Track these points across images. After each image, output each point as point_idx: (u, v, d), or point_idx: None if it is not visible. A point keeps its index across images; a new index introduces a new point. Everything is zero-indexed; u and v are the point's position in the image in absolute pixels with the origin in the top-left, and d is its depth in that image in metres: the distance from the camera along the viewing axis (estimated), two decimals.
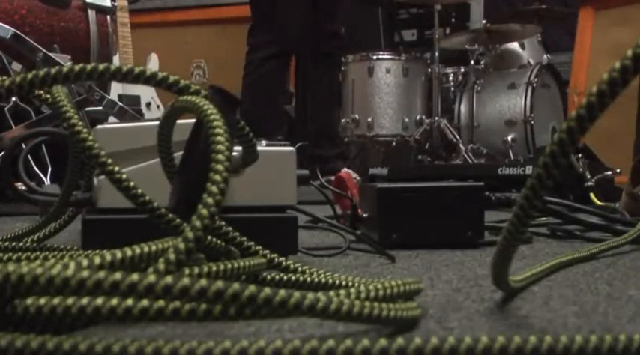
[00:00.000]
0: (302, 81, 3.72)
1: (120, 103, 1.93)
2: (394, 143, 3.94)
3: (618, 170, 2.31)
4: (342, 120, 4.05)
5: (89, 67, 0.56)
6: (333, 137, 3.72)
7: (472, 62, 4.04)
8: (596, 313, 0.60)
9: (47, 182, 1.82)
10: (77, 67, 0.56)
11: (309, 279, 0.63)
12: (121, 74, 0.57)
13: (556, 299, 0.66)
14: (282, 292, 0.39)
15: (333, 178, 1.28)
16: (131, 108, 2.09)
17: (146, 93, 4.21)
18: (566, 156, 0.42)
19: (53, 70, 0.55)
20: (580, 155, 2.30)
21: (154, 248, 0.50)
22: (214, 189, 0.48)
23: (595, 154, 2.50)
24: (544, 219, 1.34)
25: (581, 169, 2.23)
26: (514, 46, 4.28)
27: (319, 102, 3.65)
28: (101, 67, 0.56)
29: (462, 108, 4.01)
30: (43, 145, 1.81)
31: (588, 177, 2.21)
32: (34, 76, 0.55)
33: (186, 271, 0.50)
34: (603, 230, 1.18)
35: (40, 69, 0.55)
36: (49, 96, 0.78)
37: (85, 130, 0.59)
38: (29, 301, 0.40)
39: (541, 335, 0.39)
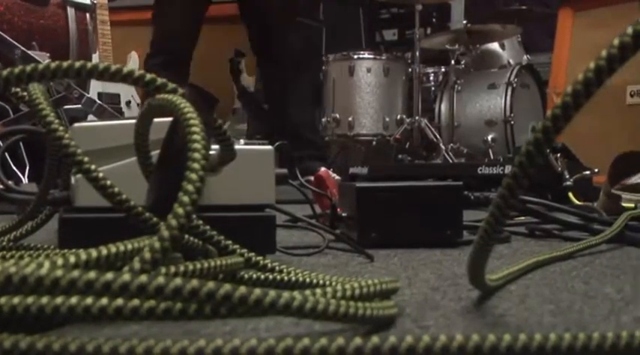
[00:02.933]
0: (277, 82, 3.67)
1: (99, 101, 1.92)
2: (375, 142, 3.94)
3: (597, 170, 2.32)
4: (323, 120, 4.05)
5: (65, 64, 0.55)
6: (312, 138, 3.71)
7: (453, 62, 4.06)
8: (572, 311, 0.60)
9: (25, 180, 1.81)
10: (53, 65, 0.55)
11: (286, 278, 0.63)
12: (97, 72, 0.56)
13: (533, 297, 0.67)
14: (257, 291, 0.39)
15: (312, 178, 1.28)
16: (111, 107, 2.08)
17: (126, 91, 4.18)
18: (542, 155, 0.42)
19: (29, 68, 0.55)
20: (559, 155, 2.31)
21: (129, 247, 0.50)
22: (190, 187, 0.48)
23: (574, 154, 2.51)
24: (523, 218, 1.35)
25: (560, 169, 2.25)
26: (494, 46, 4.30)
27: (294, 103, 3.61)
28: (77, 64, 0.56)
29: (443, 107, 4.02)
30: (21, 143, 1.80)
31: (567, 176, 2.23)
32: (9, 73, 0.54)
33: (162, 270, 0.50)
34: (581, 229, 1.19)
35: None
36: (25, 93, 0.77)
37: (61, 128, 0.59)
38: (2, 300, 0.39)
39: (516, 333, 0.39)
